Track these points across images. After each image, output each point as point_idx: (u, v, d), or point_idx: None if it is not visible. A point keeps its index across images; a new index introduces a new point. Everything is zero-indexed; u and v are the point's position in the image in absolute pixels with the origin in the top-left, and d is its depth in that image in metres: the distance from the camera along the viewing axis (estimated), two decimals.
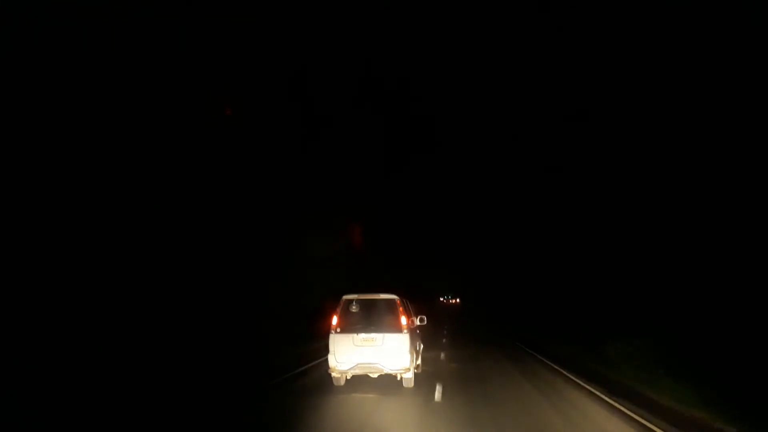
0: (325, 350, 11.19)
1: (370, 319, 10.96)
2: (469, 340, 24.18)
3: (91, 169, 19.10)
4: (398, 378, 11.12)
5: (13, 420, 7.43)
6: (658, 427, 7.96)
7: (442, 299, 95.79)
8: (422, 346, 13.42)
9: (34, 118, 18.68)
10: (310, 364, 14.59)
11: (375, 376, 11.18)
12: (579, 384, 12.09)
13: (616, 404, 9.83)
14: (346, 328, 10.88)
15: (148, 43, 22.69)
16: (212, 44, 24.83)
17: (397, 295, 11.35)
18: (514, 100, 40.98)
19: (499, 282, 53.47)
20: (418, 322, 12.56)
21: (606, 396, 10.61)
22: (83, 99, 19.85)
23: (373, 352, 10.72)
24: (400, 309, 11.08)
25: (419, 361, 12.46)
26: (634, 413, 8.92)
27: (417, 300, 14.38)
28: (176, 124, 22.51)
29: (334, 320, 10.95)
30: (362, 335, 10.82)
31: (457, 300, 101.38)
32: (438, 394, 10.47)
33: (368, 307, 11.10)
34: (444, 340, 22.19)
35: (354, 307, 10.99)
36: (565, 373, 13.71)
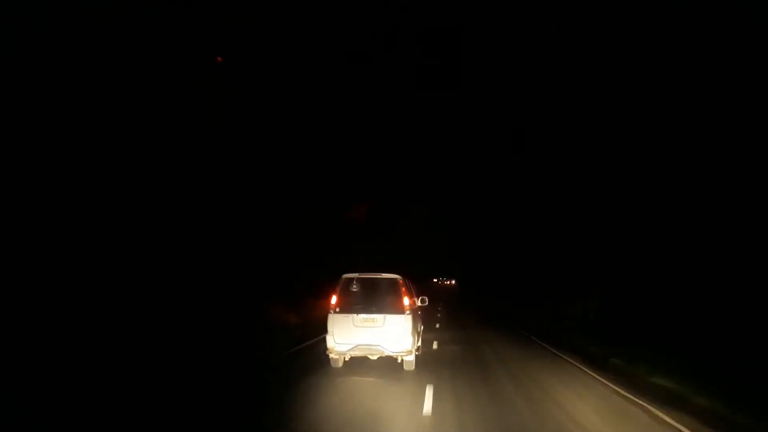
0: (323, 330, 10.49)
1: (370, 299, 10.19)
2: (465, 323, 23.22)
3: (96, 168, 18.69)
4: (399, 360, 10.43)
5: (13, 420, 6.96)
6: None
7: (435, 280, 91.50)
8: (422, 327, 12.73)
9: (35, 117, 18.25)
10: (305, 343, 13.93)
11: (375, 358, 10.49)
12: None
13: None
14: (345, 308, 10.12)
15: (148, 43, 22.30)
16: (212, 43, 24.44)
17: (399, 274, 10.69)
18: (513, 83, 40.24)
19: (499, 265, 51.22)
20: (419, 303, 11.87)
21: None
22: (84, 99, 19.46)
23: (373, 333, 9.98)
24: (403, 289, 10.35)
25: (420, 343, 11.74)
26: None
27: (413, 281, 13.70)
28: (177, 122, 22.11)
29: (333, 299, 10.21)
30: (362, 316, 10.06)
31: (453, 281, 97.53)
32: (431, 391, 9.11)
33: (369, 286, 10.34)
34: (438, 325, 21.37)
35: (354, 287, 10.26)
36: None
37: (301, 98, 28.39)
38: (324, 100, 31.27)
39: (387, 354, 10.07)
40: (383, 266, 11.33)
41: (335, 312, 10.12)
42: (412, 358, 10.34)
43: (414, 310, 10.74)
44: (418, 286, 14.08)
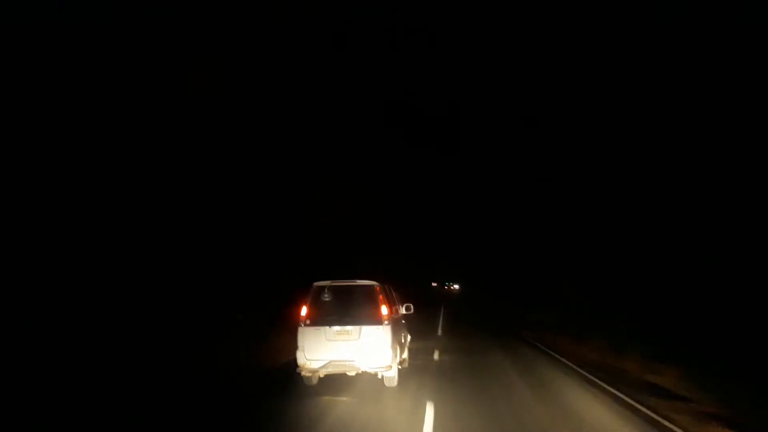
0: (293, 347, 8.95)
1: (345, 310, 8.60)
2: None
3: (99, 165, 18.00)
4: (379, 376, 8.90)
5: (13, 420, 6.58)
6: None
7: (435, 284, 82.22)
8: (409, 337, 11.13)
9: (34, 117, 17.55)
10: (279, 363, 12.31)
11: (352, 374, 8.98)
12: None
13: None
14: (317, 319, 8.53)
15: (148, 43, 21.54)
16: (212, 43, 23.54)
17: (377, 281, 9.13)
18: (513, 95, 38.86)
19: (505, 269, 49.36)
20: (403, 311, 10.23)
21: None
22: (84, 98, 18.79)
23: (348, 347, 8.40)
24: (380, 297, 8.70)
25: (405, 355, 10.06)
26: None
27: (411, 287, 12.09)
28: (177, 122, 21.26)
29: (303, 311, 8.64)
30: (336, 328, 8.50)
31: (456, 286, 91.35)
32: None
33: (343, 295, 8.72)
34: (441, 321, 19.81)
35: (326, 296, 8.68)
36: None
37: (300, 99, 27.32)
38: (324, 101, 30.23)
39: (364, 370, 8.54)
40: (384, 272, 9.89)
41: (305, 325, 8.56)
42: (393, 373, 8.75)
43: (395, 320, 9.15)
44: (413, 292, 12.55)
